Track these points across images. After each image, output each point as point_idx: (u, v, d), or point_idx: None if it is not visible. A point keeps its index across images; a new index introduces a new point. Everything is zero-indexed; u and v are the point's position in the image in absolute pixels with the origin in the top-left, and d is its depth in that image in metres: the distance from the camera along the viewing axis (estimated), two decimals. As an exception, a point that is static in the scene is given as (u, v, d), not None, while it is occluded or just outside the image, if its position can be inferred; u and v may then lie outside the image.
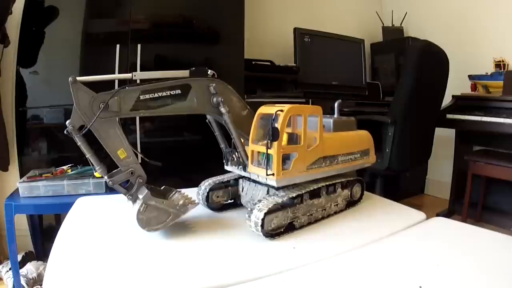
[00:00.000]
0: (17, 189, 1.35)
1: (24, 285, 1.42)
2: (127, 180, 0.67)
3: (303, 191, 0.74)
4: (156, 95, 0.68)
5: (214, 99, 0.73)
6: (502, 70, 2.16)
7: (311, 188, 0.76)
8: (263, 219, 0.66)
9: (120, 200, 0.77)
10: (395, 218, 0.84)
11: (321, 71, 2.44)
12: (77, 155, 1.50)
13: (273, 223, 0.69)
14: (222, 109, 0.73)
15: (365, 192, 0.94)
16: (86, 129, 0.62)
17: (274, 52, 2.39)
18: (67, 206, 0.88)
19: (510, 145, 2.06)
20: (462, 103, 2.21)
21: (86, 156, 0.65)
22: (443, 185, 2.61)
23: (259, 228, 0.66)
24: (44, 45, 1.59)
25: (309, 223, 0.77)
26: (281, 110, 0.69)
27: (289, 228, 0.73)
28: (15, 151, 1.67)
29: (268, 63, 2.20)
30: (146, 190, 0.68)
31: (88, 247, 0.65)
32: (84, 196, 1.03)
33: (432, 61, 1.75)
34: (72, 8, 1.60)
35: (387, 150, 1.71)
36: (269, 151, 0.68)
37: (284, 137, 0.71)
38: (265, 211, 0.66)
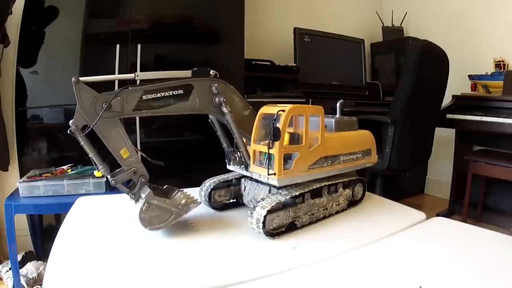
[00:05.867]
0: (17, 189, 1.35)
1: (24, 285, 1.42)
2: (129, 179, 0.67)
3: (305, 191, 0.74)
4: (158, 95, 0.68)
5: (216, 99, 0.73)
6: (502, 70, 2.16)
7: (313, 188, 0.76)
8: (265, 217, 0.66)
9: (120, 199, 0.77)
10: (395, 218, 0.84)
11: (321, 71, 2.44)
12: (77, 155, 1.52)
13: (275, 222, 0.69)
14: (224, 109, 0.73)
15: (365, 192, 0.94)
16: (89, 129, 0.63)
17: (274, 52, 2.39)
18: (67, 206, 0.88)
19: (510, 145, 2.07)
20: (462, 103, 2.21)
21: (89, 156, 0.65)
22: (443, 185, 2.61)
23: (261, 225, 0.66)
24: (44, 45, 1.59)
25: (311, 223, 0.77)
26: (283, 110, 0.69)
27: (291, 228, 0.73)
28: (15, 151, 1.67)
29: (268, 63, 2.20)
30: (149, 189, 0.68)
31: (88, 247, 0.65)
32: (84, 196, 1.03)
33: (432, 61, 1.75)
34: (72, 8, 1.60)
35: (387, 150, 1.71)
36: (271, 151, 0.68)
37: (286, 137, 0.71)
38: (268, 208, 0.66)
